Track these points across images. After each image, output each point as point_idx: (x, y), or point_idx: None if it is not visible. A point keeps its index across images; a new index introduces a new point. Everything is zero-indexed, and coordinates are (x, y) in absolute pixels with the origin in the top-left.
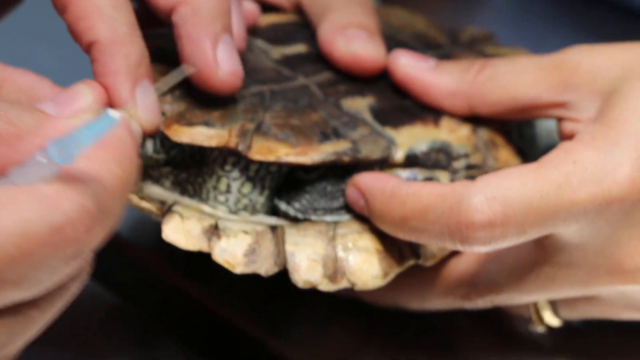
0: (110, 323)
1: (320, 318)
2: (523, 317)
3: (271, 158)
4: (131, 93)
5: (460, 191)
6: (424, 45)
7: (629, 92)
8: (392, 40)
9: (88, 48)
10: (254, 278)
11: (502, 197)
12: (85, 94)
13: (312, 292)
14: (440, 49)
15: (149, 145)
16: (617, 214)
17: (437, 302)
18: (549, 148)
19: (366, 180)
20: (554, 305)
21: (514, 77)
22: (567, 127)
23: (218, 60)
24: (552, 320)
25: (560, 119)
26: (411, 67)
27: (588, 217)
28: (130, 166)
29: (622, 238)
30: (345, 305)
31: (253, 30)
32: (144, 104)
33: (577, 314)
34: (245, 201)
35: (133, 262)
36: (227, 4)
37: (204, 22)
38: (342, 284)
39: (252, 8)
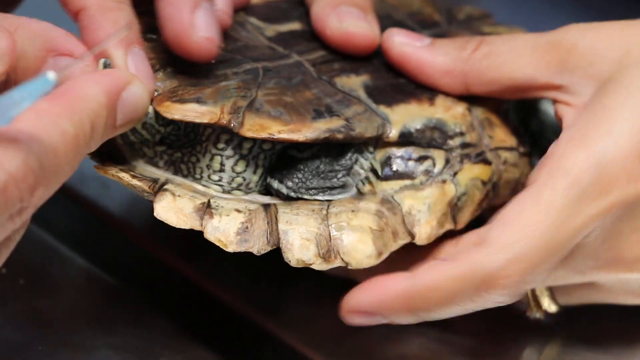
0: (104, 303)
1: (312, 297)
2: (520, 303)
3: (263, 135)
4: (124, 59)
5: (478, 266)
6: (419, 23)
7: (623, 80)
8: (388, 19)
9: (76, 16)
10: (247, 258)
11: (520, 255)
12: None
13: (305, 271)
14: (436, 27)
15: (148, 119)
16: (619, 211)
17: None
18: (548, 128)
19: (367, 298)
20: (552, 291)
21: (511, 56)
22: (562, 110)
23: (195, 25)
24: (550, 306)
25: (555, 101)
26: (406, 45)
27: (595, 224)
28: (86, 124)
29: (624, 230)
30: (337, 284)
31: (247, 8)
32: (137, 70)
33: (576, 299)
34: (239, 180)
35: (127, 242)
36: None
37: None
38: (336, 263)
39: None
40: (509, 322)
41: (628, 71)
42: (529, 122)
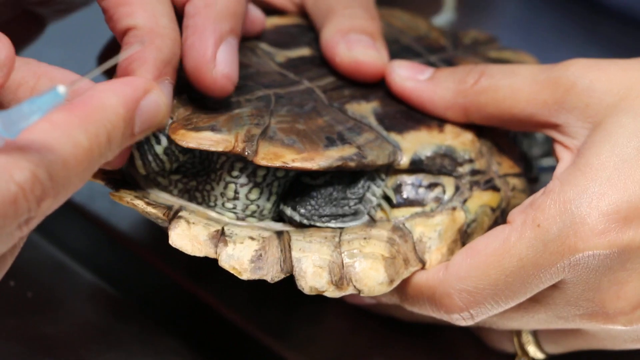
0: (111, 319)
1: (316, 318)
2: (506, 352)
3: (277, 163)
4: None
5: (433, 284)
6: (426, 48)
7: (612, 130)
8: (395, 44)
9: (123, 34)
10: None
11: (468, 289)
12: None
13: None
14: (443, 52)
15: (159, 150)
16: (593, 263)
17: (421, 316)
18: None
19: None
20: (537, 339)
21: (510, 92)
22: (559, 152)
23: (216, 59)
24: (536, 354)
25: (554, 140)
26: (407, 80)
27: (561, 273)
28: (102, 136)
29: (602, 284)
30: (339, 307)
31: (257, 33)
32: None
33: (563, 348)
34: (253, 207)
35: (135, 258)
36: (242, 8)
37: (214, 17)
38: (348, 291)
39: (259, 16)
40: None
41: (618, 119)
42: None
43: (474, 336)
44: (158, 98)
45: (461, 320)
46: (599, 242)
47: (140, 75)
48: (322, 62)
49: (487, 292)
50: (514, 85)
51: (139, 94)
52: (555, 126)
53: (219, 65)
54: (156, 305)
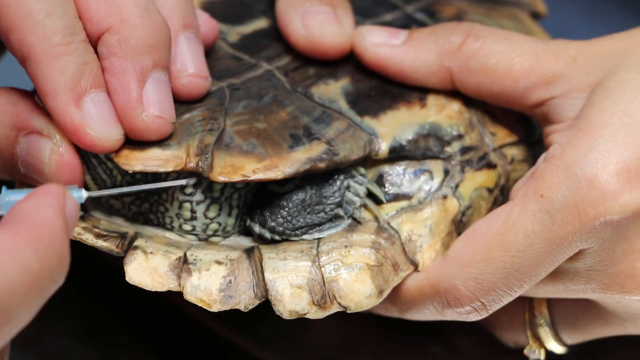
0: (64, 321)
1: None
2: (519, 345)
3: (237, 178)
4: (76, 112)
5: (435, 280)
6: None
7: (614, 86)
8: None
9: (23, 64)
10: None
11: (475, 276)
12: None
13: None
14: None
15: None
16: (606, 231)
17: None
18: None
19: None
20: (556, 332)
21: (504, 59)
22: (551, 137)
23: (143, 101)
24: (556, 348)
25: (543, 122)
26: (381, 46)
27: (575, 246)
28: (53, 256)
29: (615, 254)
30: None
31: (206, 7)
32: (94, 118)
33: (584, 336)
34: (214, 226)
35: (100, 260)
36: (164, 35)
37: (132, 54)
38: (333, 309)
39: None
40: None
41: (620, 76)
42: None
43: (481, 335)
44: (74, 199)
45: (473, 312)
46: (610, 207)
47: (61, 109)
48: (281, 36)
49: (496, 277)
50: (509, 51)
51: (62, 200)
52: (548, 100)
53: (148, 107)
54: (113, 302)
